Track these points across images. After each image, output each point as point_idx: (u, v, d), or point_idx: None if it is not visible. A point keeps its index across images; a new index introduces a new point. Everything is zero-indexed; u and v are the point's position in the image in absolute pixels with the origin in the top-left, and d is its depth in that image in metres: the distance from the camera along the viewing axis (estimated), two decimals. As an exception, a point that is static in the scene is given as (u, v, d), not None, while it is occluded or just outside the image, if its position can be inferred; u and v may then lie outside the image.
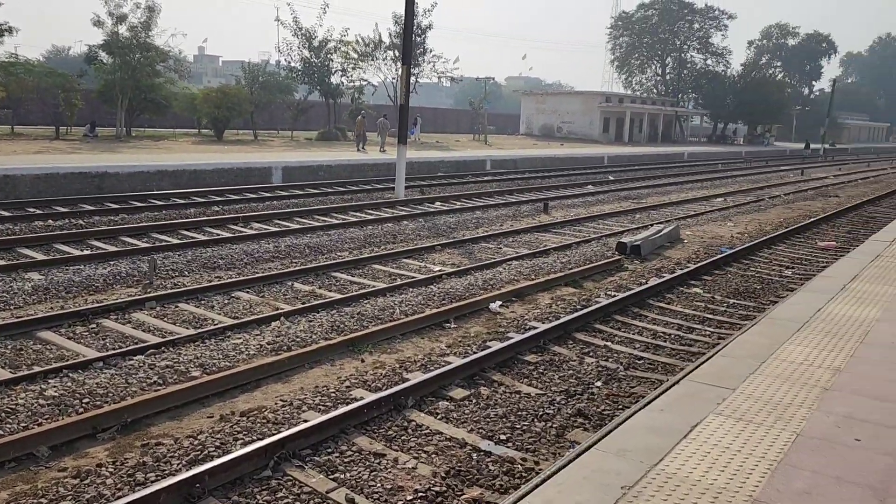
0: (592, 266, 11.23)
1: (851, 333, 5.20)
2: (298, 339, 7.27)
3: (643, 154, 42.25)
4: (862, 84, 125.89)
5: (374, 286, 9.49)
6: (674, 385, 4.24)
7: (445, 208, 17.33)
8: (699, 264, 11.51)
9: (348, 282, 9.88)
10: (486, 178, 25.89)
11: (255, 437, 5.04)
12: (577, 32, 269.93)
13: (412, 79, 38.80)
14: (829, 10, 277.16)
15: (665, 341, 7.74)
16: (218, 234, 12.61)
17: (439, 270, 10.61)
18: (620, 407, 5.83)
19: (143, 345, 6.79)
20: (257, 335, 7.30)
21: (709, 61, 76.50)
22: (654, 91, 75.46)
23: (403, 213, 16.34)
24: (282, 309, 8.21)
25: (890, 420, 3.79)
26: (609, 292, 9.80)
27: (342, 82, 40.48)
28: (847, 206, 20.97)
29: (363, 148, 31.28)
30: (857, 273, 7.47)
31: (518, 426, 5.43)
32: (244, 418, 5.45)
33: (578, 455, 3.60)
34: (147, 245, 11.35)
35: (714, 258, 12.05)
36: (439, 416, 5.60)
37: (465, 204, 18.50)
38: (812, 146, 60.19)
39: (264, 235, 12.58)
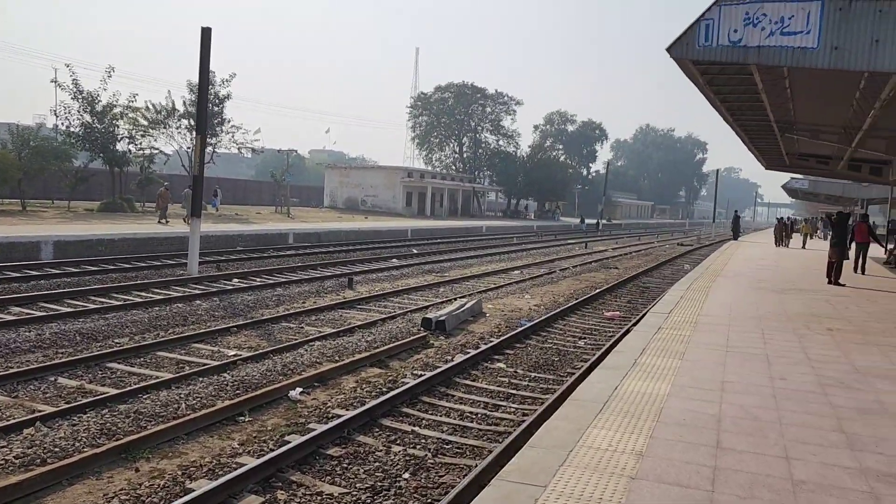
0: (398, 344, 10.95)
1: (648, 412, 5.29)
2: (57, 449, 6.13)
3: (445, 228, 43.56)
4: (629, 167, 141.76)
5: (157, 377, 8.46)
6: (484, 488, 3.96)
7: (244, 285, 16.36)
8: (502, 338, 11.67)
9: (126, 373, 8.73)
10: (288, 253, 25.08)
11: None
12: (380, 109, 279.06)
13: (209, 149, 37.35)
14: (600, 101, 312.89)
15: (473, 422, 7.55)
16: (-35, 322, 10.75)
17: (234, 355, 9.76)
18: (429, 500, 5.47)
19: None
20: (2, 447, 6.06)
21: (501, 142, 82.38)
22: (453, 167, 79.29)
23: (196, 291, 15.15)
24: (39, 411, 6.97)
25: None
26: (416, 372, 9.53)
27: (130, 150, 37.88)
28: (626, 277, 22.77)
29: (166, 220, 29.27)
30: (644, 346, 7.84)
31: (319, 536, 4.84)
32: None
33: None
34: None
35: (515, 331, 12.30)
36: (228, 533, 4.86)
37: (265, 280, 17.63)
38: (587, 221, 66.05)
39: (25, 321, 10.92)
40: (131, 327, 11.39)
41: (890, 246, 27.72)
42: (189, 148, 39.11)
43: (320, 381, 8.82)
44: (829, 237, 17.90)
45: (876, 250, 24.88)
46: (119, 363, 9.11)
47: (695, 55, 10.32)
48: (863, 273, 19.36)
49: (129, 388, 7.88)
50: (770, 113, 17.82)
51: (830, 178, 40.91)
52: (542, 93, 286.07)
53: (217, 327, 11.60)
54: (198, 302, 13.94)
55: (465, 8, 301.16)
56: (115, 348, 9.75)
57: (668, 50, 10.24)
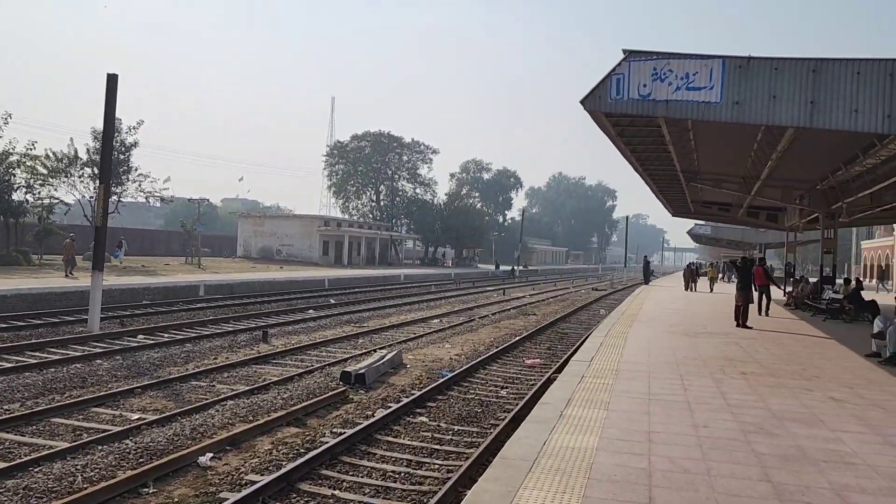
0: (317, 400, 10.52)
1: (578, 468, 5.17)
2: (-72, 538, 5.46)
3: (362, 277, 43.11)
4: (543, 214, 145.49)
5: (51, 447, 7.76)
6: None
7: (150, 342, 15.51)
8: (423, 390, 11.41)
9: (16, 444, 7.97)
10: (199, 306, 24.09)
11: None
12: (295, 157, 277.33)
13: (113, 198, 35.89)
14: (514, 150, 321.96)
15: (396, 482, 7.24)
16: None
17: (138, 419, 9.11)
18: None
19: None
20: None
21: (418, 190, 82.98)
22: (371, 216, 79.13)
23: (97, 349, 14.24)
24: None
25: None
26: (335, 430, 9.14)
27: (27, 200, 35.91)
28: (544, 323, 22.98)
29: (72, 273, 27.73)
30: (569, 397, 7.77)
31: None
32: None
33: None
34: None
35: (437, 382, 12.07)
36: None
37: (173, 336, 16.78)
38: (503, 267, 67.00)
39: None
40: (23, 391, 10.51)
41: (788, 288, 29.17)
42: (92, 197, 37.41)
43: (233, 445, 8.31)
44: (735, 282, 18.63)
45: (777, 292, 26.13)
46: (8, 432, 8.33)
47: (607, 108, 10.64)
48: (766, 315, 20.19)
49: (18, 461, 7.18)
50: (676, 163, 18.62)
51: (731, 224, 43.12)
52: (458, 141, 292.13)
53: (119, 389, 10.85)
54: (99, 361, 13.08)
55: (382, 58, 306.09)
56: (4, 416, 8.92)
57: (583, 102, 10.52)
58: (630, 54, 10.33)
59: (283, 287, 33.45)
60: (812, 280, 27.26)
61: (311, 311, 24.27)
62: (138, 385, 11.14)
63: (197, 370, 12.62)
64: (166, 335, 16.91)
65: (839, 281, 24.52)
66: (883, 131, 9.96)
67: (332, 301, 28.44)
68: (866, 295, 21.19)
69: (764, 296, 20.79)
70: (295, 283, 35.03)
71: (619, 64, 10.35)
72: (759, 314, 19.93)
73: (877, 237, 59.57)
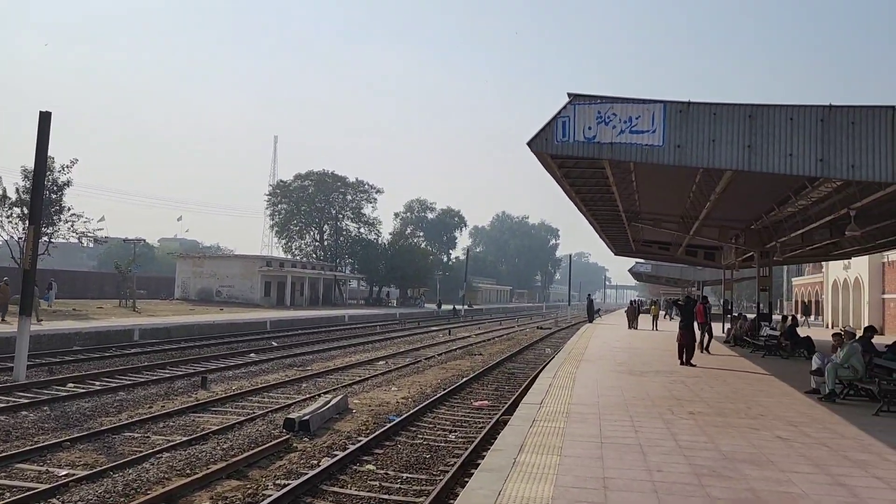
0: (259, 450, 10.09)
1: (535, 519, 5.00)
2: None
3: (306, 318, 42.38)
4: (488, 252, 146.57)
5: (-34, 511, 7.18)
6: None
7: (80, 390, 14.76)
8: (370, 437, 11.11)
9: (-73, 508, 7.36)
10: (133, 351, 23.16)
11: None
12: (236, 196, 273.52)
13: (44, 239, 34.56)
14: (458, 189, 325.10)
15: (343, 537, 6.93)
16: None
17: (66, 475, 8.55)
18: None
19: None
20: None
21: (362, 229, 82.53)
22: (314, 256, 78.20)
23: (23, 400, 13.44)
24: None
25: None
26: (279, 481, 8.75)
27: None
28: (491, 363, 22.87)
29: (5, 319, 26.45)
30: (521, 443, 7.63)
31: None
32: None
33: None
34: None
35: (383, 428, 11.78)
36: None
37: (106, 383, 16.03)
38: (445, 306, 67.01)
39: None
40: (-62, 449, 9.78)
41: (727, 325, 29.86)
42: (21, 238, 35.91)
43: (169, 502, 7.85)
44: (679, 320, 18.93)
45: (716, 329, 26.67)
46: (-82, 496, 7.69)
47: (553, 150, 10.75)
48: (708, 352, 20.56)
49: (-73, 529, 6.61)
50: (619, 204, 18.97)
51: (671, 263, 44.18)
52: (402, 181, 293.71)
53: (46, 442, 10.21)
54: (24, 413, 12.34)
55: (325, 97, 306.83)
56: (-86, 477, 8.26)
57: (529, 144, 10.60)
58: (575, 98, 10.50)
59: (223, 330, 32.56)
60: (749, 316, 27.98)
61: (252, 354, 23.62)
62: (67, 438, 10.51)
63: (130, 420, 12.02)
64: (98, 383, 16.15)
65: (777, 317, 25.24)
66: (816, 174, 10.31)
67: (275, 344, 27.76)
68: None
69: (706, 333, 21.19)
70: (235, 325, 34.15)
71: (565, 107, 10.51)
72: (701, 352, 20.27)
73: (806, 274, 61.85)
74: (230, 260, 64.67)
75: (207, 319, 34.53)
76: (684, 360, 17.48)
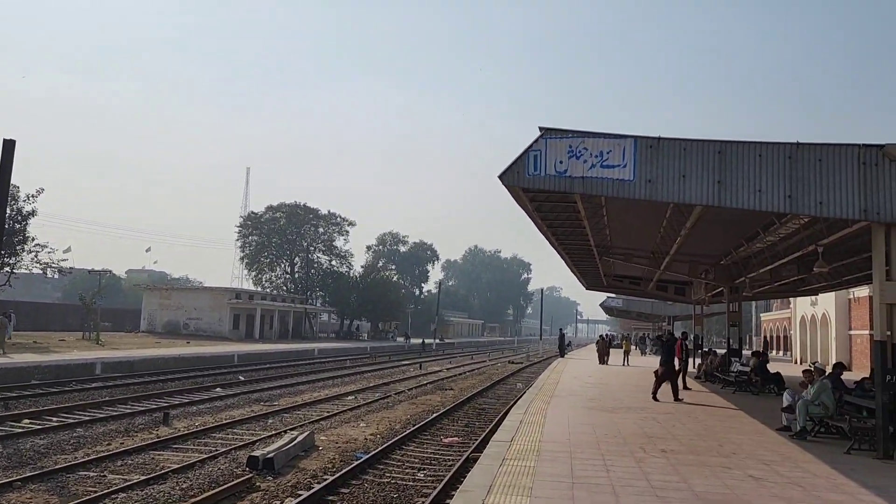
0: (219, 490, 9.71)
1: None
2: None
3: (275, 351, 41.74)
4: (460, 286, 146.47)
5: None
6: None
7: (36, 427, 14.21)
8: (336, 475, 10.78)
9: None
10: (94, 386, 22.47)
11: None
12: (207, 228, 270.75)
13: (5, 269, 33.76)
14: (431, 223, 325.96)
15: (304, 584, 6.61)
16: None
17: (13, 519, 8.12)
18: None
19: None
20: None
21: (334, 262, 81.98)
22: (284, 288, 77.36)
23: (-27, 437, 12.88)
24: None
25: None
26: (238, 524, 8.40)
27: None
28: (462, 398, 22.58)
29: None
30: (490, 483, 7.42)
31: None
32: None
33: None
34: None
35: (350, 466, 11.46)
36: None
37: (63, 420, 15.46)
38: (413, 340, 66.64)
39: None
40: None
41: (697, 360, 29.93)
42: (-19, 268, 35.05)
43: (121, 546, 7.47)
44: (661, 356, 18.90)
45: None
46: None
47: (525, 183, 10.72)
48: (685, 388, 20.50)
49: None
50: (591, 238, 19.03)
51: (642, 297, 44.44)
52: (375, 213, 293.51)
53: (-5, 483, 9.73)
54: (-27, 451, 11.80)
55: (297, 130, 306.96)
56: None
57: (501, 178, 10.56)
58: (546, 132, 10.51)
59: (189, 363, 31.85)
60: (720, 352, 28.11)
61: (218, 388, 23.07)
62: (18, 477, 10.04)
63: (87, 458, 11.55)
64: (55, 419, 15.57)
65: (746, 353, 25.37)
66: (785, 210, 10.40)
67: (242, 378, 27.18)
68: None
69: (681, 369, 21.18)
70: (202, 358, 33.45)
71: (536, 141, 10.50)
72: (684, 387, 20.20)
73: (775, 310, 62.65)
74: (198, 292, 63.71)
75: (173, 353, 33.80)
76: (675, 395, 17.51)
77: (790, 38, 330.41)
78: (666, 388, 17.81)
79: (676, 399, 17.38)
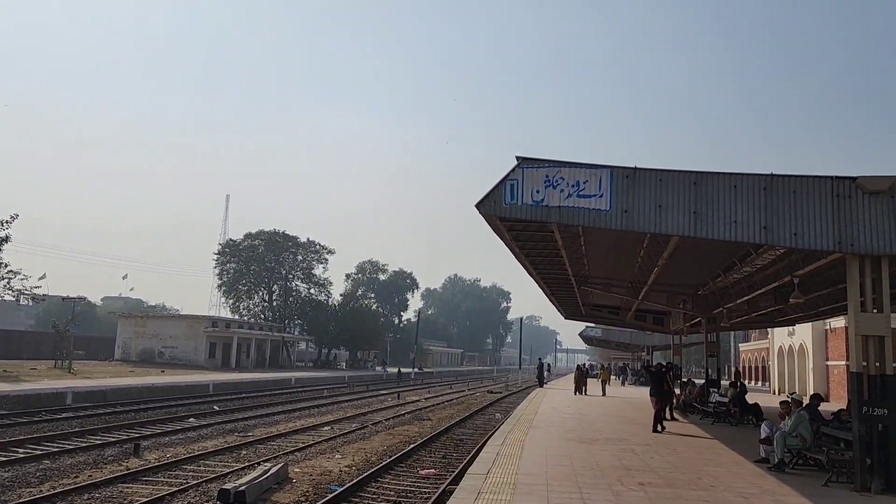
0: (187, 525, 9.44)
1: None
2: None
3: (251, 381, 41.18)
4: (439, 315, 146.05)
5: None
6: None
7: (1, 459, 13.79)
8: (309, 510, 10.54)
9: None
10: (64, 416, 21.94)
11: None
12: (186, 255, 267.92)
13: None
14: (411, 251, 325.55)
15: None
16: None
17: (-31, 557, 7.80)
18: None
19: None
20: None
21: (312, 290, 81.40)
22: (262, 316, 76.61)
23: (-67, 470, 12.46)
24: None
25: None
26: (206, 561, 8.14)
27: None
28: (440, 429, 22.32)
29: None
30: (467, 517, 7.25)
31: None
32: None
33: None
34: None
35: (324, 499, 11.21)
36: None
37: (30, 451, 15.04)
38: (389, 369, 66.21)
39: None
40: None
41: (676, 391, 29.93)
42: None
43: (82, 585, 7.20)
44: (650, 388, 18.87)
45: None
46: None
47: (501, 212, 10.71)
48: (671, 418, 20.45)
49: None
50: (568, 267, 19.05)
51: (621, 327, 44.54)
52: (354, 242, 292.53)
53: (-48, 518, 9.40)
54: (-68, 484, 11.41)
55: (277, 158, 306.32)
56: None
57: (478, 206, 10.55)
58: (523, 161, 10.54)
59: (163, 393, 31.28)
60: (698, 382, 28.13)
61: (191, 419, 22.63)
62: (-24, 513, 9.70)
63: (53, 491, 11.22)
64: (21, 450, 15.14)
65: (725, 383, 25.42)
66: (760, 241, 10.47)
67: (216, 408, 26.72)
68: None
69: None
70: (176, 388, 32.88)
71: (513, 170, 10.53)
72: (670, 418, 20.15)
73: (752, 340, 63.07)
74: (174, 320, 62.90)
75: (147, 382, 33.20)
76: (659, 427, 17.44)
77: (756, 77, 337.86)
78: (645, 418, 17.75)
79: (655, 430, 17.32)
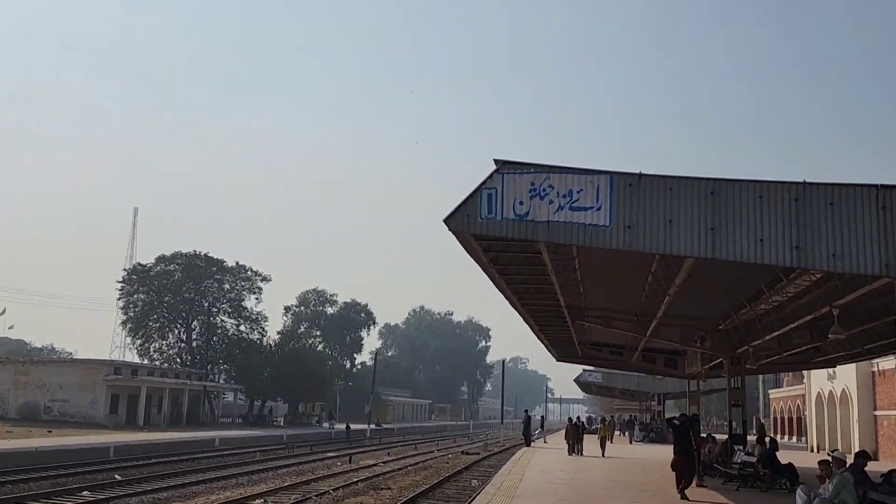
0: None
1: None
2: None
3: (164, 442, 40.61)
4: (402, 357, 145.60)
5: None
6: None
7: None
8: None
9: None
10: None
11: None
12: (81, 284, 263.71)
13: None
14: (365, 278, 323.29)
15: None
16: None
17: None
18: None
19: None
20: None
21: (242, 327, 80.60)
22: (178, 361, 75.66)
23: None
24: None
25: None
26: None
27: None
28: (401, 501, 22.15)
29: None
30: None
31: None
32: None
33: None
34: None
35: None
36: None
37: None
38: (337, 426, 65.82)
39: None
40: None
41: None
42: None
43: None
44: (674, 444, 18.89)
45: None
46: None
47: (476, 229, 10.70)
48: (699, 484, 20.46)
49: None
50: (560, 297, 19.11)
51: (625, 371, 44.78)
52: (295, 267, 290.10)
53: None
54: None
55: (201, 169, 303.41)
56: None
57: (446, 221, 10.52)
58: (503, 165, 10.55)
59: (49, 458, 30.63)
60: (719, 438, 28.31)
61: (86, 492, 22.23)
62: None
63: None
64: None
65: (751, 439, 25.60)
66: (791, 264, 10.57)
67: (118, 477, 26.30)
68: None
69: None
70: (68, 452, 32.27)
71: (491, 176, 10.52)
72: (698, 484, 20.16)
73: (785, 385, 63.71)
74: (66, 366, 61.87)
75: (28, 445, 32.54)
76: (681, 490, 17.48)
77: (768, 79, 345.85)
78: (668, 483, 17.75)
79: (683, 497, 17.36)
